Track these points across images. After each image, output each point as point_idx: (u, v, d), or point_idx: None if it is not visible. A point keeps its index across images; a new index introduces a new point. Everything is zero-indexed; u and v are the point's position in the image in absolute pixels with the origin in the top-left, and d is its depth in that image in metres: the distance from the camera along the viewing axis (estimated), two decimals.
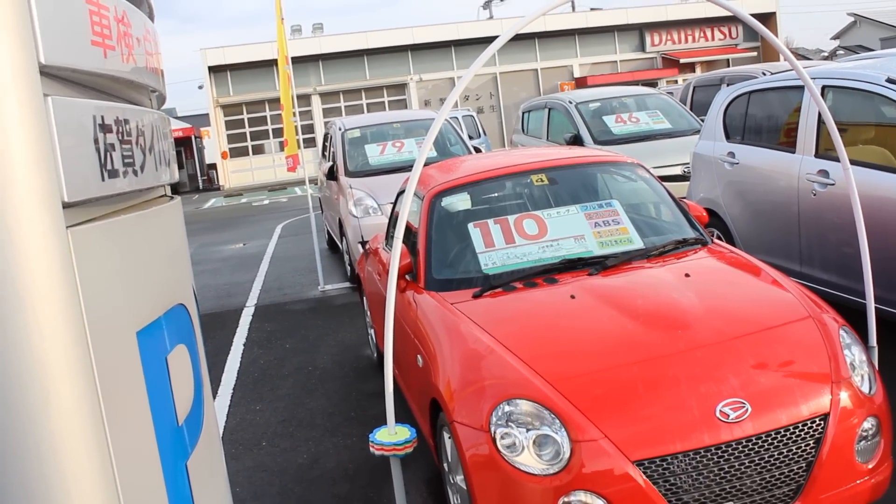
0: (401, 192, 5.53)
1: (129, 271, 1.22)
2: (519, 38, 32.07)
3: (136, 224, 1.31)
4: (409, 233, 4.49)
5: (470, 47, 35.05)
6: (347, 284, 9.28)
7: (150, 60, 1.57)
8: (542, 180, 4.51)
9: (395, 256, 3.25)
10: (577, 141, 10.13)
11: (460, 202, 4.61)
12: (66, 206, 0.99)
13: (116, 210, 1.25)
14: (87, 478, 0.99)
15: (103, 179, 1.14)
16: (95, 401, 1.01)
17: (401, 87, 36.16)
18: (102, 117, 1.16)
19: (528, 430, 2.87)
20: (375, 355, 6.04)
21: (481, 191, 4.67)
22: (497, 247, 4.05)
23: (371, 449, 3.27)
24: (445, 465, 3.42)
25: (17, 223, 0.92)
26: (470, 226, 4.19)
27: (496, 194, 4.70)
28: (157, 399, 1.24)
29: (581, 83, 34.98)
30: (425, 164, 3.48)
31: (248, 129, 35.48)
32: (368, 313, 6.06)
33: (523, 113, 12.96)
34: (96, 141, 1.13)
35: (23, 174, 0.93)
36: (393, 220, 5.55)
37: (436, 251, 4.21)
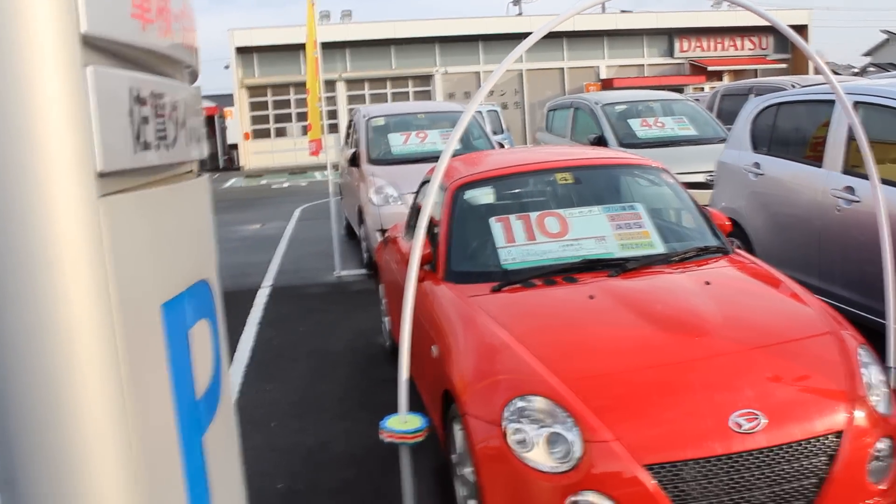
0: (424, 183, 5.52)
1: (157, 243, 1.22)
2: (547, 37, 31.80)
3: (166, 197, 1.30)
4: (430, 223, 4.48)
5: (497, 43, 34.94)
6: (363, 271, 9.29)
7: (186, 36, 1.56)
8: (566, 179, 4.50)
9: (417, 247, 3.24)
10: (601, 142, 10.08)
11: (484, 196, 4.60)
12: (99, 175, 0.99)
13: (147, 183, 1.24)
14: (106, 446, 0.99)
15: (136, 151, 1.13)
16: (118, 370, 1.01)
17: (426, 79, 36.12)
18: (138, 90, 1.16)
19: (540, 427, 2.86)
20: (388, 343, 6.04)
21: (505, 186, 4.65)
22: (518, 243, 4.04)
23: (381, 436, 3.27)
24: (454, 456, 3.41)
25: (51, 189, 0.92)
26: (492, 220, 4.18)
27: (520, 190, 4.68)
28: (178, 372, 1.24)
29: (607, 85, 34.78)
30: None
31: (271, 112, 35.53)
32: (384, 301, 6.06)
33: (548, 111, 12.91)
34: (131, 113, 1.12)
35: (59, 141, 0.92)
36: (415, 210, 5.54)
37: (456, 243, 4.20)
